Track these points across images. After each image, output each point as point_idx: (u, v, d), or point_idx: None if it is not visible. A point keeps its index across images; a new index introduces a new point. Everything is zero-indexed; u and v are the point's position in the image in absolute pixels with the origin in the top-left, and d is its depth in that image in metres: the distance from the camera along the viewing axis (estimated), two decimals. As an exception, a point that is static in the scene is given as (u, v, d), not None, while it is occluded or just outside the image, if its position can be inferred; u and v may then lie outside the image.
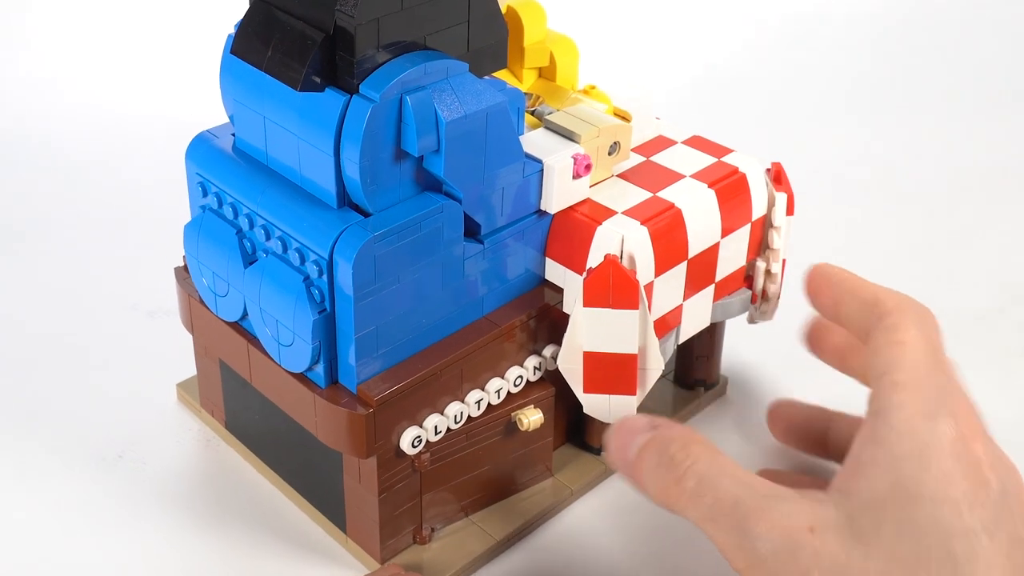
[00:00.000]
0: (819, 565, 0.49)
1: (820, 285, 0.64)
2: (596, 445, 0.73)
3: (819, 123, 1.16)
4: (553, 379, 0.68)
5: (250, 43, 0.60)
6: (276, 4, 0.59)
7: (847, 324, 0.62)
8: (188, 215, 0.68)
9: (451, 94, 0.58)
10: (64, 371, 0.81)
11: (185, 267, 0.69)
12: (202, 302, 0.68)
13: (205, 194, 0.65)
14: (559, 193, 0.65)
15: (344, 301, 0.59)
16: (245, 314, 0.64)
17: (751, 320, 0.76)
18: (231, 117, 0.65)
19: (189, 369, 0.77)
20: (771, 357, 0.82)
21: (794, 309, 0.81)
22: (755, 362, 0.82)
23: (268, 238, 0.62)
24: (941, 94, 1.24)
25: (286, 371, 0.63)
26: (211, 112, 0.71)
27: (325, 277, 0.59)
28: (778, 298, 0.75)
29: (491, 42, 0.61)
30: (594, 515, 0.71)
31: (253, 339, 0.65)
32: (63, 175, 1.06)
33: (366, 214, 0.59)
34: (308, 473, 0.69)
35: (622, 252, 0.64)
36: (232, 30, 0.62)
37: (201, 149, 0.66)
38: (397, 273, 0.59)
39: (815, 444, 0.71)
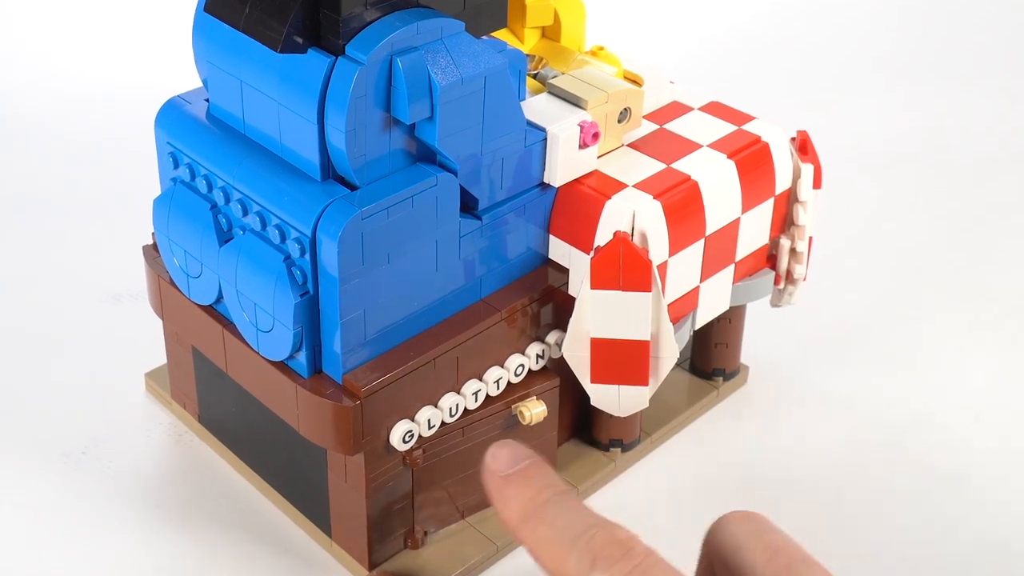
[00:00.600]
0: None
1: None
2: (604, 440, 0.73)
3: (848, 90, 1.16)
4: (558, 368, 0.68)
5: (226, 0, 0.59)
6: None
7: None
8: (157, 189, 0.67)
9: (446, 56, 0.58)
10: (23, 361, 0.81)
11: (154, 245, 0.69)
12: (173, 284, 0.67)
13: (176, 165, 0.64)
14: (564, 164, 0.64)
15: (329, 283, 0.58)
16: (220, 297, 0.64)
17: (774, 304, 0.76)
18: (204, 81, 0.64)
19: (159, 358, 0.76)
20: (796, 344, 0.82)
21: (821, 292, 0.81)
22: (778, 350, 0.82)
23: (245, 213, 0.61)
24: (975, 63, 1.24)
25: (265, 359, 0.62)
26: (182, 77, 0.71)
27: (308, 256, 0.58)
28: (804, 279, 0.74)
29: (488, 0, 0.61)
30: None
31: (229, 324, 0.64)
32: (20, 147, 1.05)
33: (353, 187, 0.58)
34: (289, 471, 0.68)
35: (633, 229, 0.64)
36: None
37: (172, 116, 0.65)
38: (387, 252, 0.59)
39: None
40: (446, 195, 0.60)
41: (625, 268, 0.63)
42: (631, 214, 0.64)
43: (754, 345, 0.80)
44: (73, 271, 0.88)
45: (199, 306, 0.66)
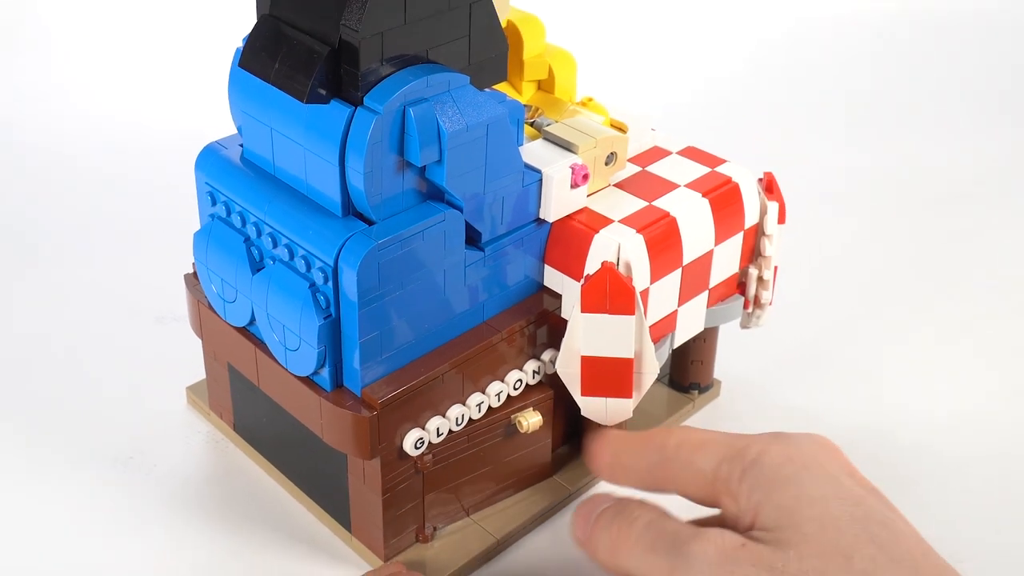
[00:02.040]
0: (757, 572, 0.50)
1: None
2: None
3: (811, 135, 1.16)
4: (552, 382, 0.68)
5: (257, 56, 0.59)
6: (283, 19, 0.58)
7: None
8: (197, 223, 0.68)
9: (452, 106, 0.58)
10: (75, 376, 0.81)
11: (194, 274, 0.69)
12: (211, 308, 0.68)
13: (214, 203, 0.65)
14: (557, 202, 0.65)
15: (349, 307, 0.58)
16: (253, 319, 0.64)
17: (744, 325, 0.76)
18: (239, 128, 0.64)
19: (198, 373, 0.77)
20: (763, 362, 0.82)
21: (786, 315, 0.81)
22: (748, 367, 0.82)
23: (275, 246, 0.61)
24: (931, 109, 1.23)
25: (293, 375, 0.63)
26: (220, 123, 0.71)
27: (330, 284, 0.58)
28: (770, 304, 0.74)
29: (491, 55, 0.61)
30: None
31: (261, 344, 0.65)
32: (74, 185, 1.06)
33: (370, 222, 0.59)
34: (314, 474, 0.69)
35: (619, 259, 0.64)
36: (240, 44, 0.62)
37: (210, 159, 0.65)
38: (400, 280, 0.59)
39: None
40: (453, 229, 0.61)
41: (612, 294, 0.63)
42: (617, 246, 0.64)
43: (726, 362, 0.80)
44: (123, 296, 0.89)
45: (234, 328, 0.66)
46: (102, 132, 1.13)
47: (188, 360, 0.78)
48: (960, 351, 0.86)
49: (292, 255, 0.60)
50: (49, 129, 1.13)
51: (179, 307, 0.79)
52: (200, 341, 0.73)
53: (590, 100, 0.72)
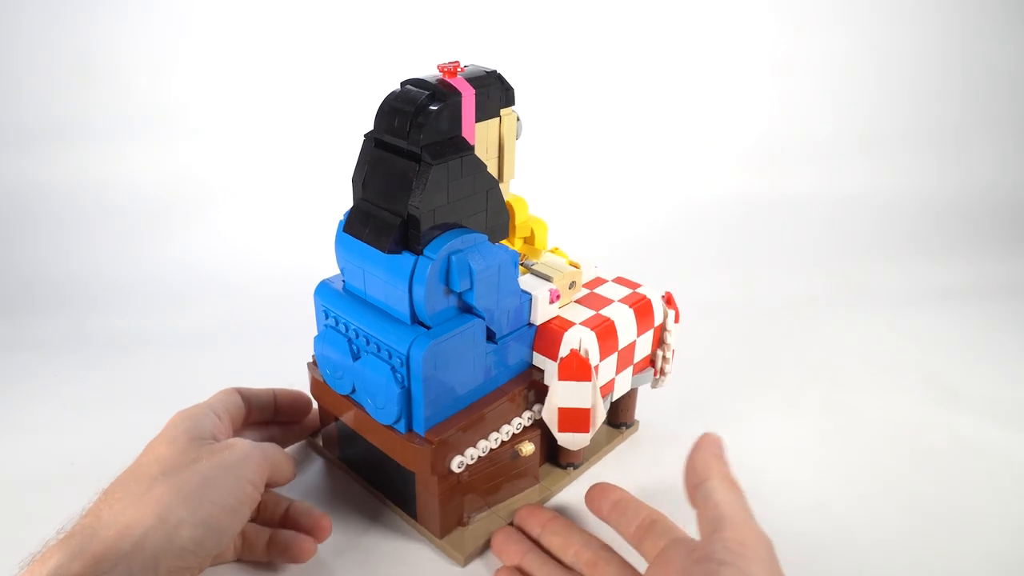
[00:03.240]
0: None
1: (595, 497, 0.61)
2: (564, 463, 0.72)
3: (698, 271, 1.11)
4: (539, 424, 0.68)
5: (354, 225, 0.60)
6: (371, 201, 0.59)
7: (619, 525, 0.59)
8: (314, 328, 0.67)
9: (477, 254, 0.58)
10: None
11: (313, 362, 0.69)
12: (324, 382, 0.67)
13: (327, 317, 0.64)
14: (541, 313, 0.65)
15: (416, 380, 0.58)
16: (354, 389, 0.64)
17: (653, 387, 0.75)
18: (341, 269, 0.64)
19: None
20: (665, 409, 0.81)
21: (677, 384, 0.80)
22: (656, 411, 0.80)
23: (368, 343, 0.61)
24: (777, 255, 1.16)
25: (381, 424, 0.62)
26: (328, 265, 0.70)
27: (405, 367, 0.58)
28: (670, 372, 0.74)
29: (500, 222, 0.62)
30: (564, 505, 0.70)
31: (359, 404, 0.64)
32: (234, 299, 1.01)
33: (427, 327, 0.59)
34: (392, 485, 0.68)
35: (581, 347, 0.64)
36: (342, 217, 0.62)
37: (324, 290, 0.65)
38: (447, 362, 0.59)
39: (627, 530, 0.59)
40: (479, 331, 0.61)
41: (577, 368, 0.63)
42: (579, 339, 0.64)
43: (642, 408, 0.80)
44: (266, 382, 0.86)
45: (341, 394, 0.65)
46: (253, 263, 1.09)
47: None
48: (798, 407, 0.83)
49: (379, 349, 0.60)
50: (226, 269, 1.09)
51: (300, 382, 0.77)
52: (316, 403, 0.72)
53: (556, 249, 0.72)
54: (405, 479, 0.65)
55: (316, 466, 0.74)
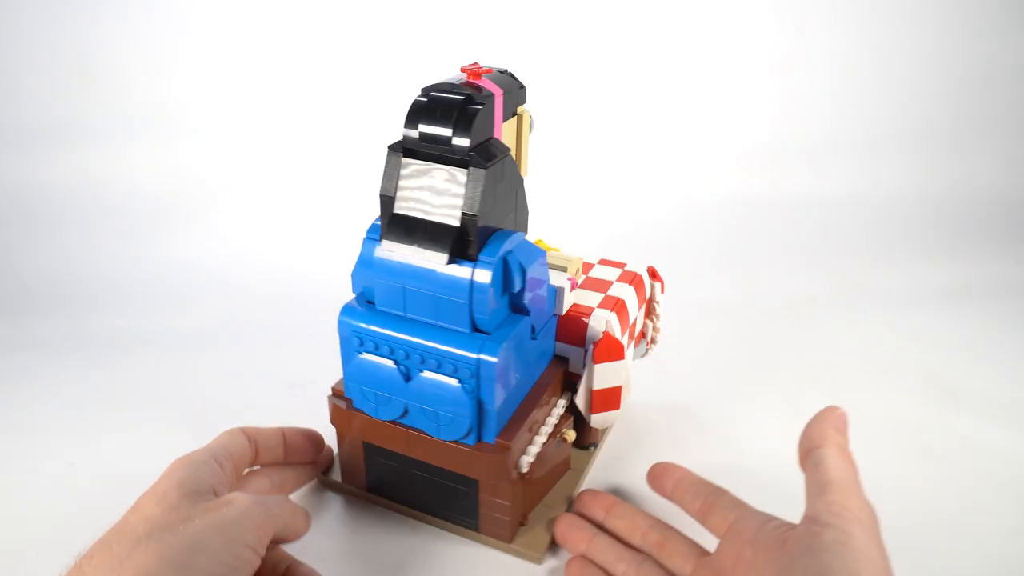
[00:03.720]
0: None
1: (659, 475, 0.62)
2: (584, 443, 0.73)
3: (685, 265, 1.09)
4: (570, 411, 0.68)
5: (395, 232, 0.58)
6: (410, 212, 0.57)
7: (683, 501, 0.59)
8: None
9: (523, 252, 0.59)
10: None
11: (334, 393, 0.65)
12: (349, 411, 0.63)
13: (361, 343, 0.61)
14: (566, 303, 0.66)
15: (489, 384, 0.57)
16: (404, 413, 0.61)
17: (641, 356, 0.76)
18: (365, 290, 0.61)
19: (313, 424, 0.70)
20: (665, 409, 0.79)
21: (677, 384, 0.82)
22: (656, 412, 0.79)
23: (423, 360, 0.59)
24: (774, 256, 1.14)
25: (442, 440, 0.61)
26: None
27: (474, 377, 0.57)
28: (657, 342, 0.77)
29: (524, 219, 0.63)
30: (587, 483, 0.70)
31: (407, 426, 0.62)
32: (248, 306, 0.97)
33: (487, 333, 0.58)
34: (445, 500, 0.65)
35: (611, 329, 0.66)
36: (365, 236, 0.60)
37: (352, 312, 0.61)
38: (513, 360, 0.59)
39: (692, 505, 0.60)
40: (528, 327, 0.61)
41: (612, 350, 0.65)
42: (605, 321, 0.66)
43: (643, 408, 0.78)
44: (266, 381, 0.81)
45: (383, 420, 0.63)
46: (256, 266, 1.06)
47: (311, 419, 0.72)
48: (798, 407, 0.76)
49: (440, 364, 0.59)
50: (223, 265, 1.05)
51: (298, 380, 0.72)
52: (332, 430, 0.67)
53: (540, 241, 0.73)
54: (457, 493, 0.64)
55: (335, 505, 0.69)
